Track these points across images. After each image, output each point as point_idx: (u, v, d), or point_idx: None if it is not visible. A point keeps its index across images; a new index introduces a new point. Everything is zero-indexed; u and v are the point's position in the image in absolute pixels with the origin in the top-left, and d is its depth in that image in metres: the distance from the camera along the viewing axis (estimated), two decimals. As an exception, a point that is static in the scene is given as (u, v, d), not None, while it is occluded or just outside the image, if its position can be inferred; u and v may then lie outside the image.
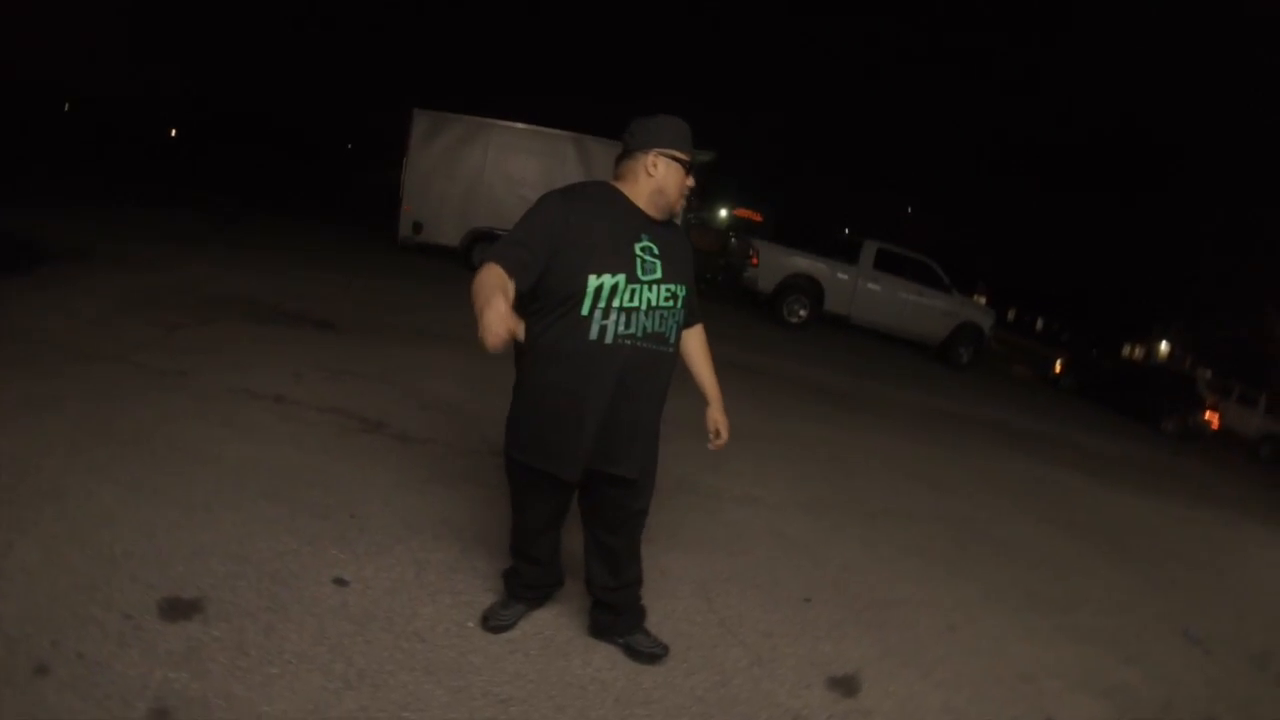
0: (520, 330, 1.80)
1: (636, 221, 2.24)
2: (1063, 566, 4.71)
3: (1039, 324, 55.03)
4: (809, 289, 12.56)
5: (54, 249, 7.65)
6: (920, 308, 12.94)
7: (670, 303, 2.24)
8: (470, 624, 2.60)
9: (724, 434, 2.54)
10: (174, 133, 38.05)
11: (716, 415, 2.55)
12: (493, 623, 2.59)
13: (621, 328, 2.14)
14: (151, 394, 4.18)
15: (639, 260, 2.17)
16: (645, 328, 2.18)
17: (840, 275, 12.70)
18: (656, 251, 2.22)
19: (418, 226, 11.79)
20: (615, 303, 2.12)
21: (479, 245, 11.51)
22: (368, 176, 34.54)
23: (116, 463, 3.28)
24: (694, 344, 2.56)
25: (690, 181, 2.30)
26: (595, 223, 2.15)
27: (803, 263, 12.57)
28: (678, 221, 2.42)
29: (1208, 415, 15.29)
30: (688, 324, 2.45)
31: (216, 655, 2.21)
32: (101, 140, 26.01)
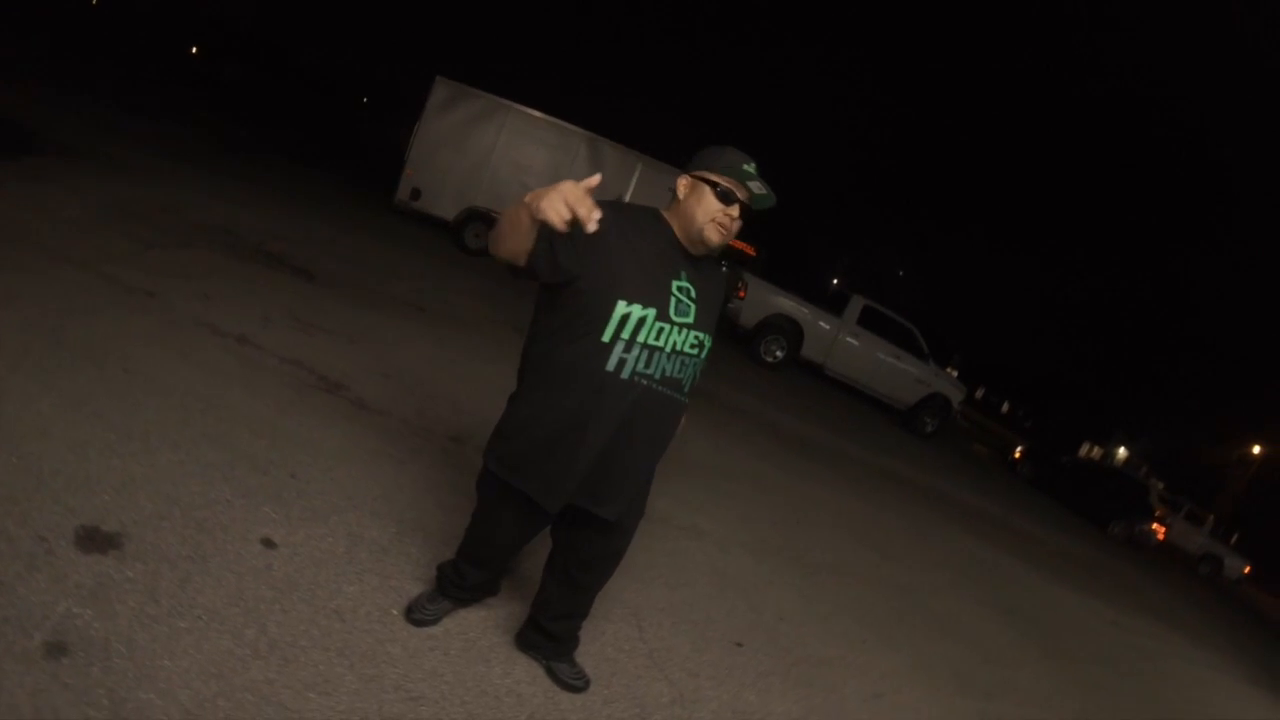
0: (591, 216, 1.64)
1: (676, 256, 2.08)
2: (993, 651, 4.70)
3: (1005, 406, 55.74)
4: (789, 331, 12.55)
5: (49, 141, 7.46)
6: (895, 370, 12.99)
7: (695, 351, 2.09)
8: (394, 611, 2.50)
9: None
10: (195, 50, 37.40)
11: None
12: (417, 615, 2.49)
13: (641, 365, 1.98)
14: (113, 310, 4.04)
15: (674, 299, 2.01)
16: (665, 370, 2.02)
17: (822, 324, 12.72)
18: (693, 294, 2.06)
19: (416, 193, 11.63)
20: (640, 337, 1.96)
21: (472, 224, 11.40)
22: (375, 132, 34.19)
23: (63, 374, 3.15)
24: None
25: (730, 213, 2.03)
26: (637, 246, 1.98)
27: (788, 304, 12.56)
28: (723, 267, 2.26)
29: (1155, 526, 15.53)
30: None
31: (126, 597, 2.10)
32: (119, 42, 25.54)
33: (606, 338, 1.94)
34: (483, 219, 11.35)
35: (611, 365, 1.96)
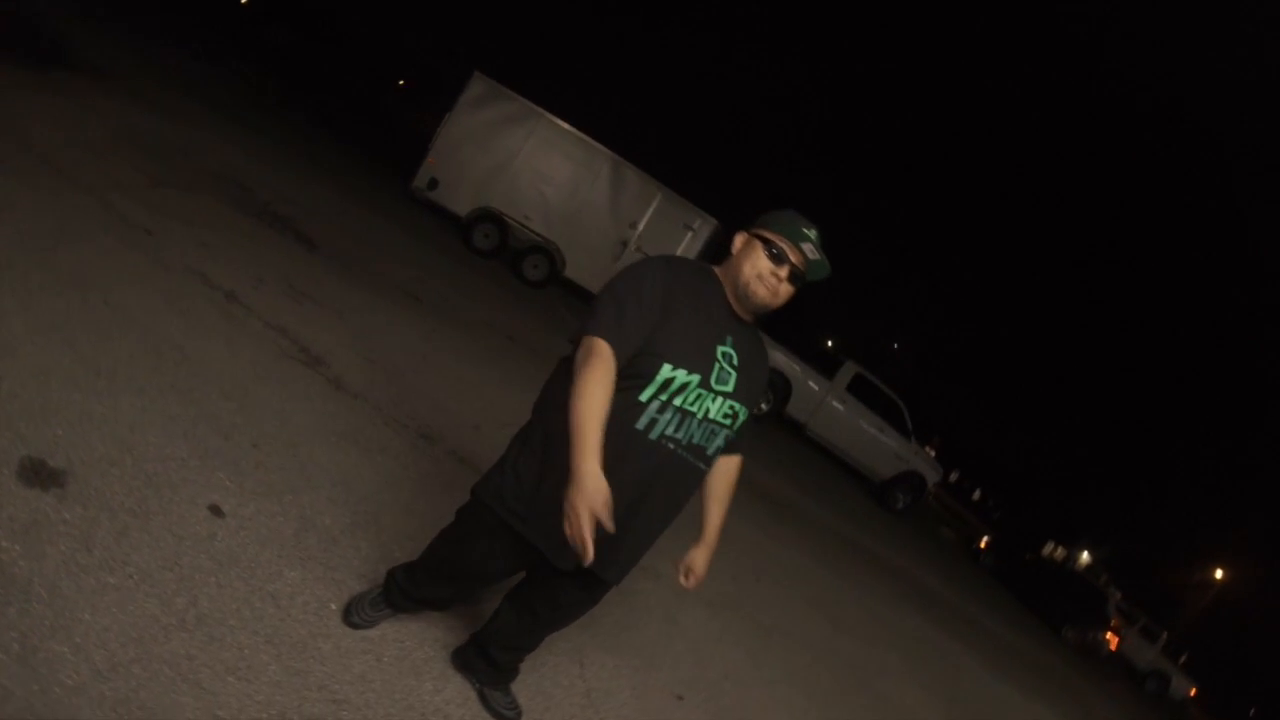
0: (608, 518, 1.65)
1: (724, 318, 1.99)
2: (931, 746, 4.60)
3: (977, 494, 55.83)
4: (778, 386, 12.50)
5: (78, 58, 7.36)
6: (876, 442, 12.92)
7: (728, 421, 1.97)
8: (333, 606, 2.39)
9: (694, 578, 2.23)
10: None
11: (699, 558, 2.22)
12: (355, 619, 2.36)
13: (671, 429, 1.88)
14: (108, 240, 3.95)
15: (717, 365, 1.91)
16: (693, 437, 1.92)
17: (812, 384, 12.66)
18: (736, 361, 1.95)
19: (434, 183, 11.56)
20: (678, 401, 1.87)
21: (482, 224, 11.35)
22: (408, 115, 34.21)
23: (43, 295, 3.07)
24: (721, 474, 2.21)
25: (779, 274, 1.93)
26: (689, 307, 1.91)
27: (780, 358, 12.50)
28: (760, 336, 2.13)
29: (1109, 635, 15.47)
30: (734, 448, 2.18)
31: (59, 540, 2.01)
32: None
33: (645, 397, 1.86)
34: (494, 220, 11.30)
35: (642, 424, 1.87)
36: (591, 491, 1.62)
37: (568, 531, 1.63)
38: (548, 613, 2.25)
